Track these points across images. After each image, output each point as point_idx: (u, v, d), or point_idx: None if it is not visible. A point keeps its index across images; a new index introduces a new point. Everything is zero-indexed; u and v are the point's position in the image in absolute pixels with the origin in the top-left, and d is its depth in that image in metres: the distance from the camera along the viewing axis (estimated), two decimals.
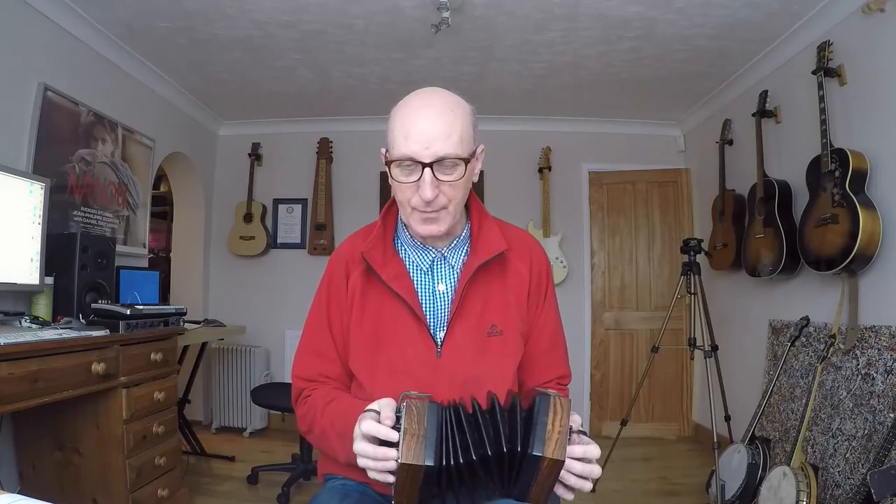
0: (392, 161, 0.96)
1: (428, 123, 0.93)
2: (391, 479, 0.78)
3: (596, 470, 0.84)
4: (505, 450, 0.79)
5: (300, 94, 3.69)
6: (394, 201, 1.13)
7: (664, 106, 3.83)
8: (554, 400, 0.79)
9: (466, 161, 0.96)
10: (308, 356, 1.10)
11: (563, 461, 0.77)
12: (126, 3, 2.52)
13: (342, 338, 1.07)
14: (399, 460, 0.75)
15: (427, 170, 0.93)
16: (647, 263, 4.08)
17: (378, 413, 0.83)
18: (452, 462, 0.77)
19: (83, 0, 2.49)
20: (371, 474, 0.81)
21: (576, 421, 0.84)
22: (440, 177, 0.94)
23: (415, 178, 0.94)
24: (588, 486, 0.84)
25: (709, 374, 2.71)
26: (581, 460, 0.83)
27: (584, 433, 0.87)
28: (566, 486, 0.84)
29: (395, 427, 0.79)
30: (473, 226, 1.10)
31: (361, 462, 0.81)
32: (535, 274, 1.11)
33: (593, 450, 0.84)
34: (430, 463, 0.75)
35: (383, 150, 1.02)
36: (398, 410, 0.81)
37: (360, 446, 0.81)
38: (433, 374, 1.01)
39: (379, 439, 0.80)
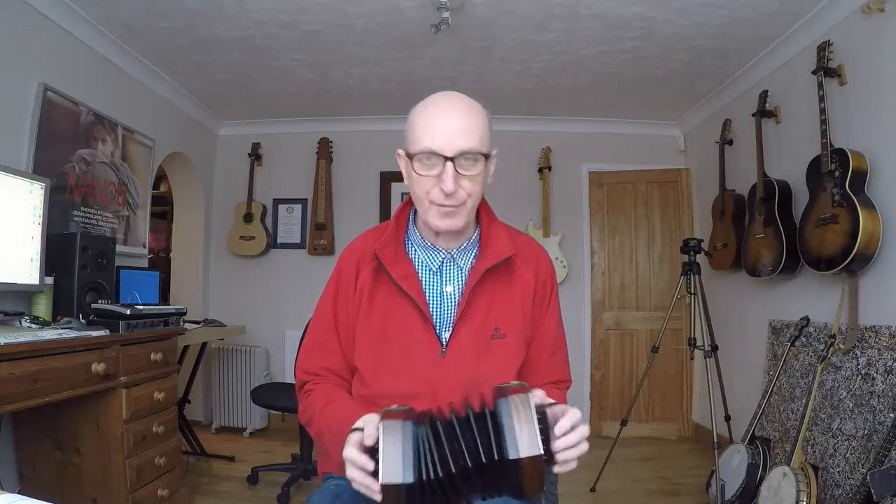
0: (414, 155, 0.98)
1: (450, 120, 0.98)
2: None
3: (584, 430, 0.83)
4: (484, 457, 0.79)
5: (300, 94, 3.69)
6: (407, 203, 1.14)
7: (664, 106, 3.83)
8: (511, 400, 0.79)
9: (486, 157, 1.00)
10: (312, 349, 1.13)
11: (541, 453, 0.77)
12: (126, 3, 2.52)
13: (347, 333, 1.09)
14: (380, 481, 0.76)
15: (449, 163, 0.96)
16: (647, 263, 4.08)
17: (362, 431, 0.83)
18: (433, 476, 0.78)
19: (83, 0, 2.49)
20: (366, 493, 0.82)
21: (538, 395, 0.83)
22: (461, 171, 0.97)
23: (436, 171, 0.98)
24: (585, 446, 0.83)
25: (709, 374, 2.71)
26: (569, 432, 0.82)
27: (554, 402, 0.86)
28: (567, 462, 0.83)
29: (377, 446, 0.79)
30: (483, 229, 1.12)
31: (356, 486, 0.82)
32: (540, 280, 1.13)
33: (575, 414, 0.83)
34: (409, 480, 0.75)
35: (401, 152, 1.05)
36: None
37: (350, 473, 0.82)
38: (437, 373, 1.02)
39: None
